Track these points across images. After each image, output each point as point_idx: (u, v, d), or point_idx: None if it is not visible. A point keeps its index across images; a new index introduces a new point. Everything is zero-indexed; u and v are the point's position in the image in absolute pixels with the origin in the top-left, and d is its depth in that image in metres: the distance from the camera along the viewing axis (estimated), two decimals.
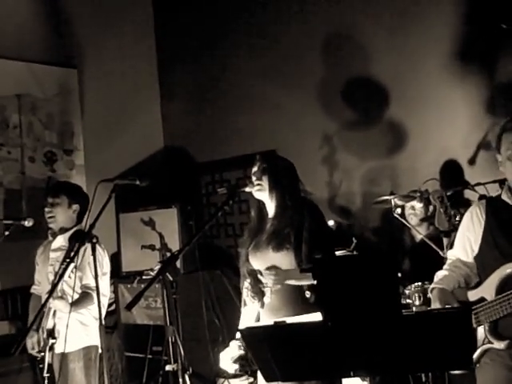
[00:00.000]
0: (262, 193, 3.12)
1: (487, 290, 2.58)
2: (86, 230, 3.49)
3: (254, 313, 3.15)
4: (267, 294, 3.02)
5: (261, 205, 3.19)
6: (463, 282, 2.73)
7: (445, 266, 2.82)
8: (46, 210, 3.93)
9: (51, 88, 5.48)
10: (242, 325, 3.09)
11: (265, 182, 3.10)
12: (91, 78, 5.77)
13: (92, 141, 5.69)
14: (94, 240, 3.37)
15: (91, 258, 3.39)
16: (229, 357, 3.04)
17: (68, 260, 3.41)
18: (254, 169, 3.16)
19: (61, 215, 3.92)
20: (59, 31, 5.61)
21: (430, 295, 2.76)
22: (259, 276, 3.02)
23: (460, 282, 2.73)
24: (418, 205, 4.15)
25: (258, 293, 3.03)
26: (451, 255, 2.85)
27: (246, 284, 3.08)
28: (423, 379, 3.70)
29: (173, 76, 6.26)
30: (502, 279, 2.53)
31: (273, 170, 3.12)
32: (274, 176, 3.11)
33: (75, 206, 3.95)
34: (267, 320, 2.98)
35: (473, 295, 2.64)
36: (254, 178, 3.13)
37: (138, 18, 6.22)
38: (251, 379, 4.56)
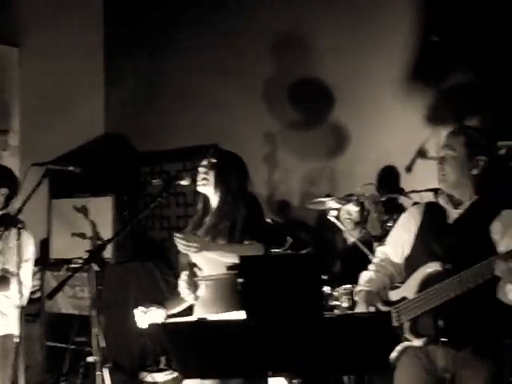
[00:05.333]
0: (206, 187, 3.10)
1: (409, 288, 2.61)
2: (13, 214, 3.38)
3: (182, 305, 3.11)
4: (201, 287, 3.01)
5: (205, 198, 3.16)
6: (388, 282, 2.77)
7: (370, 266, 2.84)
8: None
9: None
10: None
11: (211, 177, 3.07)
12: (33, 57, 5.60)
13: (29, 122, 5.53)
14: (20, 225, 3.27)
15: (15, 242, 3.27)
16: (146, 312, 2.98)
17: None
18: (204, 162, 3.12)
19: None
20: (2, 8, 5.42)
21: (356, 298, 2.78)
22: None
23: (385, 283, 2.76)
24: (353, 208, 4.18)
25: (192, 285, 3.01)
26: (380, 252, 2.86)
27: (183, 276, 3.04)
28: (345, 381, 3.74)
29: (118, 63, 6.15)
30: (424, 278, 2.56)
31: (221, 165, 3.09)
32: (222, 172, 3.07)
33: (4, 190, 3.81)
34: (201, 314, 2.95)
35: (395, 295, 2.67)
36: (201, 171, 3.09)
37: (87, 3, 6.08)
38: (175, 374, 4.52)
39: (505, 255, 2.34)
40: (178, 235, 2.93)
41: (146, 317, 2.96)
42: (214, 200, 3.11)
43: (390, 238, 2.86)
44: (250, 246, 2.91)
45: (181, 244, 2.92)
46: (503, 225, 2.52)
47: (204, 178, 3.06)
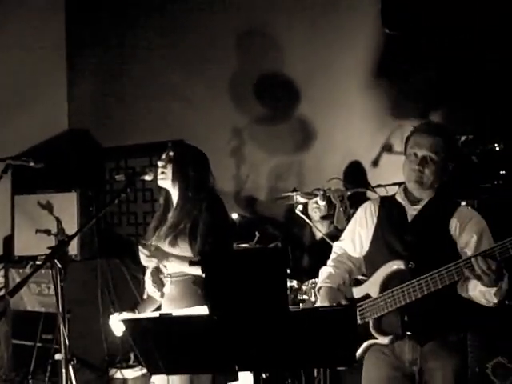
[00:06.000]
0: (165, 181, 3.08)
1: (372, 286, 2.62)
2: None
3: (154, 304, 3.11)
4: (167, 284, 2.99)
5: (167, 193, 3.14)
6: (347, 277, 2.78)
7: (329, 262, 2.84)
8: None
9: None
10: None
11: (169, 171, 3.06)
12: None
13: None
14: None
15: None
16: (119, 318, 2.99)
17: None
18: (162, 156, 3.10)
19: None
20: None
21: (317, 295, 2.77)
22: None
23: (345, 278, 2.77)
24: (320, 203, 4.20)
25: (159, 283, 3.00)
26: (338, 248, 2.86)
27: (148, 274, 3.03)
28: (315, 375, 3.76)
29: (82, 58, 6.04)
30: (387, 276, 2.58)
31: (179, 159, 3.07)
32: (179, 166, 3.06)
33: None
34: (168, 310, 2.94)
35: (358, 292, 2.68)
36: (159, 165, 3.07)
37: None
38: (144, 370, 4.49)
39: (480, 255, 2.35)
40: (141, 249, 2.95)
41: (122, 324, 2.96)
42: (175, 195, 3.10)
43: (346, 233, 2.85)
44: None
45: (142, 257, 2.95)
46: (460, 222, 2.55)
47: (162, 172, 3.05)
